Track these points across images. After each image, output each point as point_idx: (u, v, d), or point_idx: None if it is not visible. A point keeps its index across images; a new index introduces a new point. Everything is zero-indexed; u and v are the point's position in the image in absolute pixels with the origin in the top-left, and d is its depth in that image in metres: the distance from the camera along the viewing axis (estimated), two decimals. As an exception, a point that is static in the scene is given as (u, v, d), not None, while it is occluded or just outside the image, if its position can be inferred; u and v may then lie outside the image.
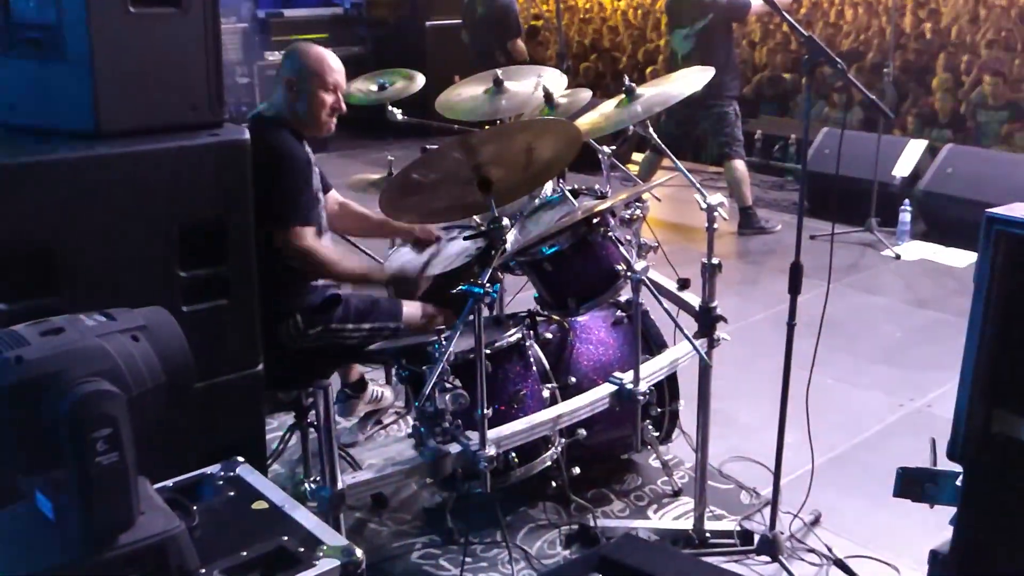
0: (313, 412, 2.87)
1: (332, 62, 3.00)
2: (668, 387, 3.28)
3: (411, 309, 3.09)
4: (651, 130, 3.04)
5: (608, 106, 3.05)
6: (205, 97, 2.49)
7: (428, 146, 3.89)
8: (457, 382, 2.31)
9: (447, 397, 2.25)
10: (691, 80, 2.97)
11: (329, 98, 2.98)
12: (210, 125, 2.51)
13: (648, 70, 10.01)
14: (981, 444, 1.87)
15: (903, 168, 6.44)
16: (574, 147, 2.59)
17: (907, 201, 6.12)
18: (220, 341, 2.51)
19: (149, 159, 2.34)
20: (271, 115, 3.00)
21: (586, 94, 3.49)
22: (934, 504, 2.17)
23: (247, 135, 2.51)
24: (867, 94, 2.62)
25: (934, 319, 4.85)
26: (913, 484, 2.14)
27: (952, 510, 2.08)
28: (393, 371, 3.33)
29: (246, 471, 1.93)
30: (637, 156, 7.68)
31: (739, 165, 6.22)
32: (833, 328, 4.48)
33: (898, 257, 5.78)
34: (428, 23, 9.50)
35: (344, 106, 3.06)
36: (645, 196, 3.33)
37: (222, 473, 1.92)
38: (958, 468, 2.03)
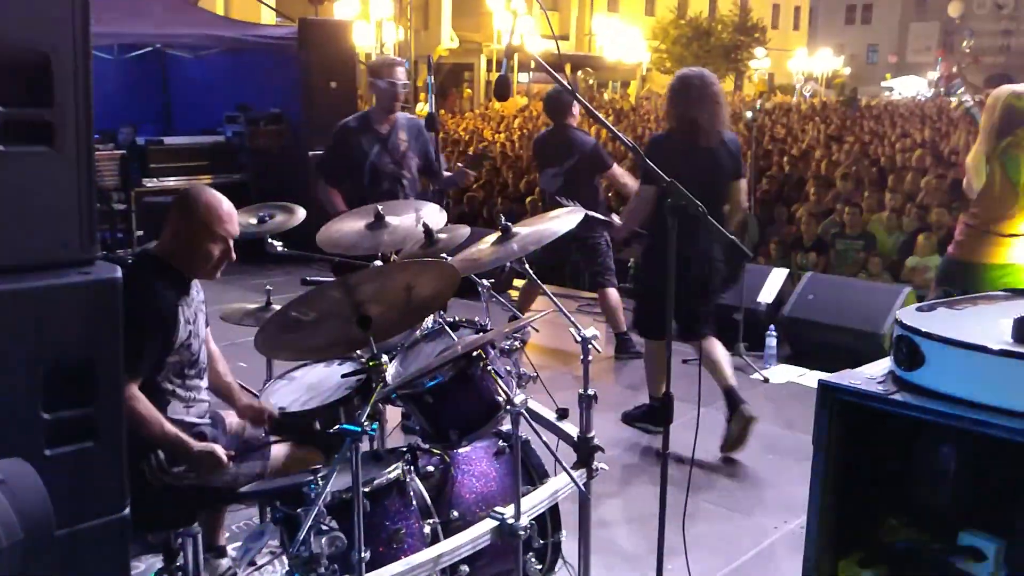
0: (181, 556, 2.76)
1: (224, 211, 2.95)
2: (550, 518, 3.28)
3: (281, 450, 3.03)
4: (527, 266, 3.15)
5: (486, 243, 3.15)
6: (76, 234, 2.45)
7: (308, 277, 3.92)
8: (334, 523, 2.26)
9: (323, 540, 2.20)
10: (563, 221, 3.10)
11: (217, 249, 2.94)
12: (81, 263, 2.46)
13: (528, 200, 10.35)
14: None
15: (767, 294, 6.78)
16: (452, 285, 2.66)
17: (772, 326, 6.42)
18: (85, 485, 2.40)
19: (14, 299, 2.27)
20: (155, 253, 2.93)
21: (465, 230, 3.58)
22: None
23: (119, 273, 2.46)
24: (727, 235, 2.79)
25: (803, 441, 4.97)
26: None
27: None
28: (268, 511, 3.23)
29: (108, 627, 1.83)
30: (518, 282, 7.85)
31: (612, 293, 6.43)
32: (708, 452, 4.64)
33: (766, 380, 6.03)
34: (311, 152, 9.58)
35: (234, 255, 3.00)
36: (524, 326, 3.41)
37: (82, 631, 1.81)
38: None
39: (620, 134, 2.80)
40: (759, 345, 6.34)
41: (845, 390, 1.81)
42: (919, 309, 1.92)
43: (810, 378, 6.09)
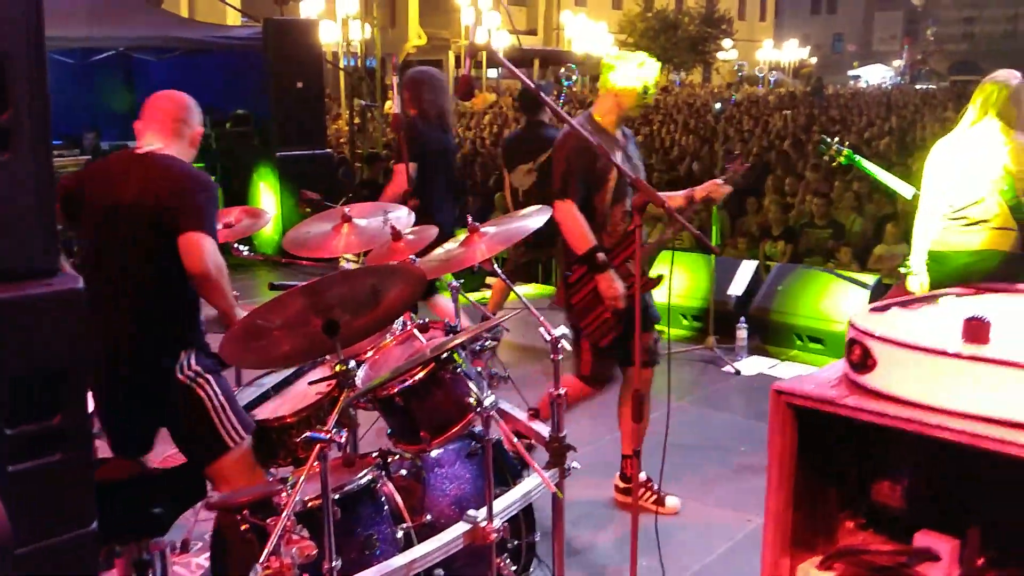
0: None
1: None
2: (524, 518, 3.28)
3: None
4: (496, 266, 3.14)
5: (453, 243, 3.14)
6: (37, 244, 2.41)
7: (274, 283, 3.89)
8: (305, 532, 2.24)
9: (293, 550, 2.18)
10: (531, 220, 3.10)
11: None
12: (42, 273, 2.42)
13: (497, 195, 10.35)
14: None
15: (737, 287, 6.81)
16: (420, 287, 2.65)
17: (743, 318, 6.45)
18: (50, 500, 2.36)
19: (-28, 313, 2.23)
20: (168, 153, 3.13)
21: (433, 231, 3.57)
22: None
23: (81, 283, 2.43)
24: (692, 230, 2.80)
25: (775, 432, 5.06)
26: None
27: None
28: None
29: (75, 647, 1.80)
30: (491, 279, 7.85)
31: (585, 289, 6.43)
32: (679, 446, 4.64)
33: (738, 372, 6.06)
34: (279, 154, 9.53)
35: None
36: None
37: (48, 651, 1.78)
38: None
39: (585, 133, 2.80)
40: (730, 338, 6.38)
41: (798, 395, 1.82)
42: (873, 310, 1.92)
43: (781, 369, 6.14)
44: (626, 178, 3.82)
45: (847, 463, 1.92)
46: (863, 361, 1.75)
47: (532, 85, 2.87)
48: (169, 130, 3.19)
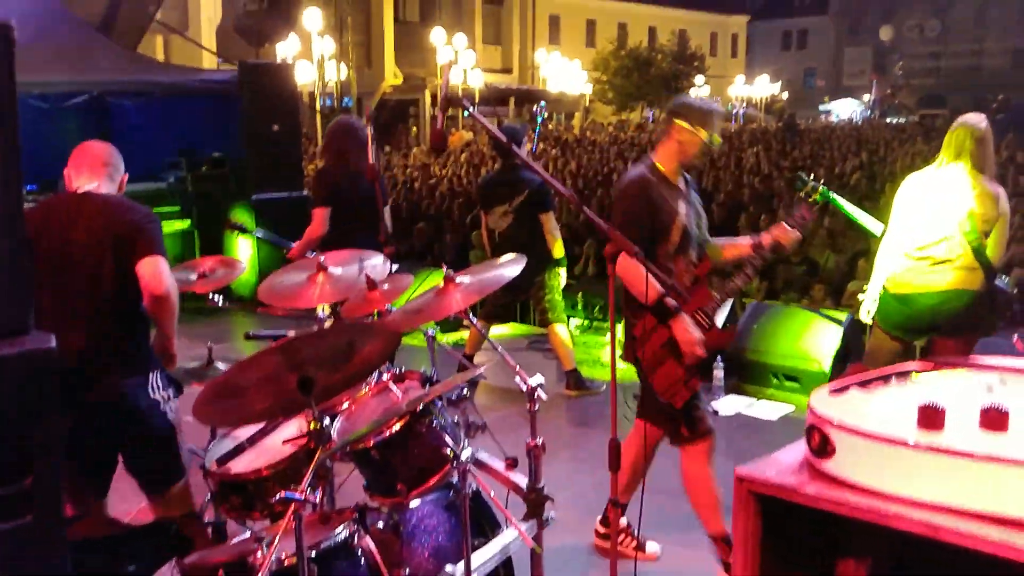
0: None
1: None
2: (504, 569, 3.26)
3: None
4: (470, 315, 3.15)
5: (429, 294, 3.15)
6: (6, 301, 2.39)
7: (250, 332, 3.88)
8: (280, 593, 2.23)
9: (269, 612, 2.16)
10: (507, 269, 3.12)
11: None
12: (12, 332, 2.40)
13: (474, 234, 10.39)
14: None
15: (714, 326, 6.82)
16: (394, 343, 2.65)
17: (720, 358, 6.47)
18: (23, 563, 2.33)
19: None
20: (104, 192, 3.41)
21: (408, 279, 3.58)
22: None
23: (53, 343, 2.41)
24: (662, 276, 2.82)
25: (753, 472, 5.06)
26: None
27: None
28: None
29: None
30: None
31: (561, 330, 6.45)
32: (658, 489, 4.63)
33: (716, 413, 6.07)
34: (255, 196, 9.51)
35: None
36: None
37: None
38: None
39: (556, 183, 2.82)
40: (707, 377, 6.39)
41: (760, 482, 1.81)
42: (832, 391, 1.92)
43: (757, 409, 6.15)
44: (690, 230, 3.85)
45: (812, 544, 1.91)
46: (823, 447, 1.74)
47: (502, 137, 2.86)
48: (101, 173, 3.45)
